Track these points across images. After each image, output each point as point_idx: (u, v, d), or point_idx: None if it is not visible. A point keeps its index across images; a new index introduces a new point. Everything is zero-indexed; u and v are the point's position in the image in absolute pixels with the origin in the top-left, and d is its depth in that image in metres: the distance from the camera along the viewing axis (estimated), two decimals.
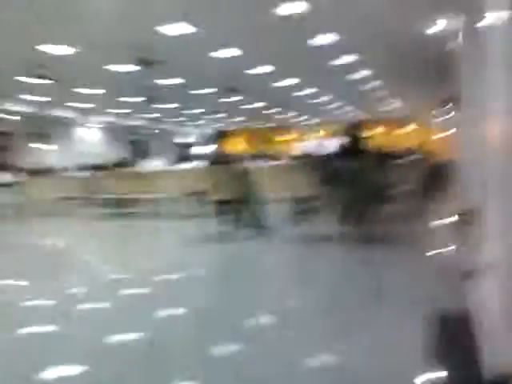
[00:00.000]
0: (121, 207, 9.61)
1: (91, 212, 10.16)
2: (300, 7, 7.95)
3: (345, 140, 5.56)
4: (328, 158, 6.34)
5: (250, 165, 7.78)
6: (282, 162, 7.79)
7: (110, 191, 9.78)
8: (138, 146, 26.21)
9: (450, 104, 12.71)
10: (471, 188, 6.76)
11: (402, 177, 7.91)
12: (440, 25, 8.83)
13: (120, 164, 11.70)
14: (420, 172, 10.92)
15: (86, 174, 11.82)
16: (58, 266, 5.84)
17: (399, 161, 10.59)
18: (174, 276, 4.93)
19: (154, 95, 15.73)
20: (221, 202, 6.09)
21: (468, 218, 5.47)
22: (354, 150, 5.43)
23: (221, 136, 32.94)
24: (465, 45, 7.75)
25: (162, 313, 3.89)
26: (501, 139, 2.46)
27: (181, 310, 3.91)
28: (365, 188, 5.09)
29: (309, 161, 6.17)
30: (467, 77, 8.12)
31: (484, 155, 5.83)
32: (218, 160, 6.26)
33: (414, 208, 8.21)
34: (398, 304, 3.72)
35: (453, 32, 8.88)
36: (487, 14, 5.42)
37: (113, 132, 24.42)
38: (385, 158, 9.29)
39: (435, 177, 14.88)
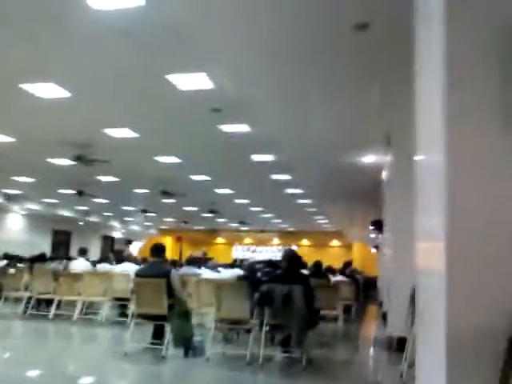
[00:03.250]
0: (35, 307, 8.81)
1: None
2: (243, 128, 8.43)
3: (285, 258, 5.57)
4: (267, 275, 6.36)
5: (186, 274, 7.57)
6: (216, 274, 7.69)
7: (25, 288, 9.02)
8: (60, 237, 25.14)
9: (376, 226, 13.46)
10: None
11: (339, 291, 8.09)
12: (370, 158, 9.68)
13: (38, 259, 10.92)
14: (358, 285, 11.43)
15: None
16: None
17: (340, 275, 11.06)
18: None
19: (86, 189, 15.45)
20: (145, 316, 5.76)
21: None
22: (294, 271, 5.49)
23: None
24: (387, 177, 8.48)
25: None
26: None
27: None
28: (297, 311, 5.08)
29: (244, 279, 6.11)
30: (387, 205, 8.80)
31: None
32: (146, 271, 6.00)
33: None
34: None
35: (380, 165, 9.72)
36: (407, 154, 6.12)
37: (36, 220, 23.32)
38: (324, 272, 9.51)
39: (369, 289, 15.87)
